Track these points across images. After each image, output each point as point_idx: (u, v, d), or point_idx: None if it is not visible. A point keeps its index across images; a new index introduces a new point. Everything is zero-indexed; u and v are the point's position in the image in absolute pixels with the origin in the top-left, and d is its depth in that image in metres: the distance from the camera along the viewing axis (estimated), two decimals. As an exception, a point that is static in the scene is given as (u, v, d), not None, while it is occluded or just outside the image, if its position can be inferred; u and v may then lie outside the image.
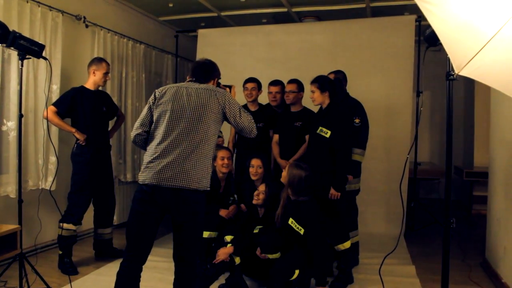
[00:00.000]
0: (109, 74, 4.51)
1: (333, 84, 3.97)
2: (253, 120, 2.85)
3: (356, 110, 4.24)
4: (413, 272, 4.16)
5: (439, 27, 1.94)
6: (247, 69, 5.63)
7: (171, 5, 6.11)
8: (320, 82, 3.88)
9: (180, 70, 7.30)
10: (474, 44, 1.89)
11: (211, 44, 6.42)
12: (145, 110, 2.79)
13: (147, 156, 2.66)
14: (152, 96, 2.79)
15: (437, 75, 4.46)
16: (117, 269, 2.68)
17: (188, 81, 2.88)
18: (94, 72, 4.31)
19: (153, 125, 2.73)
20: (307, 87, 4.03)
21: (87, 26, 5.20)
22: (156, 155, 2.60)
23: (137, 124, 2.79)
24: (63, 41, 4.73)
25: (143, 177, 2.61)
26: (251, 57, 6.12)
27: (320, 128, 3.82)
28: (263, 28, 6.47)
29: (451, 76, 2.18)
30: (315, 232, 3.46)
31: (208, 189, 2.69)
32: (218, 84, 3.00)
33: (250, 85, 4.67)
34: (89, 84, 4.34)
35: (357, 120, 4.18)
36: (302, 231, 3.48)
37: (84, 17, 5.12)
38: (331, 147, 3.77)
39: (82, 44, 5.29)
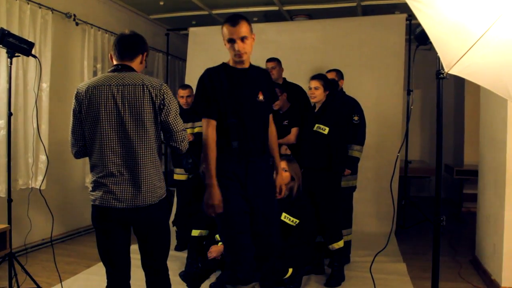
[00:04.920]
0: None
1: (333, 85, 4.02)
2: (186, 133, 2.54)
3: (354, 108, 4.33)
4: (404, 270, 4.18)
5: (429, 26, 1.95)
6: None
7: (162, 3, 6.09)
8: (325, 80, 3.91)
9: (171, 68, 7.28)
10: (463, 43, 1.90)
11: (202, 42, 6.40)
12: (72, 121, 2.43)
13: (93, 173, 2.42)
14: (75, 102, 2.40)
15: (428, 74, 4.48)
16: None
17: (111, 71, 2.44)
18: None
19: (86, 137, 2.40)
20: (302, 84, 4.05)
21: (77, 24, 5.17)
22: (101, 173, 2.35)
23: (71, 140, 2.45)
24: (53, 39, 4.70)
25: (94, 196, 2.40)
26: (242, 56, 6.10)
27: (317, 125, 3.84)
28: (254, 26, 6.32)
29: (441, 75, 2.20)
30: (309, 221, 3.51)
31: (165, 195, 2.50)
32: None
33: None
34: None
35: (356, 118, 4.27)
36: (295, 223, 3.50)
37: (74, 15, 5.09)
38: (327, 144, 3.79)
39: (72, 42, 5.26)
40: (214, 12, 6.51)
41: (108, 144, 2.32)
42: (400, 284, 3.83)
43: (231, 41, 2.69)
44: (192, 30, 6.59)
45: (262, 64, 4.85)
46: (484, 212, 4.16)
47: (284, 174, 3.54)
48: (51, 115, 4.75)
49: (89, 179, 5.22)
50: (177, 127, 2.43)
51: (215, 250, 3.63)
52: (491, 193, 3.97)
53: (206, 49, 6.17)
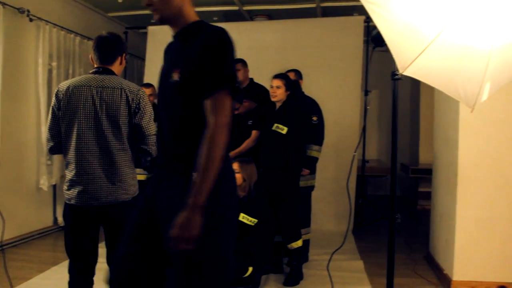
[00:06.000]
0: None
1: (294, 86, 4.04)
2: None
3: (313, 108, 4.36)
4: (361, 267, 4.26)
5: (384, 28, 2.00)
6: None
7: (120, 0, 5.98)
8: (287, 80, 3.92)
9: (130, 67, 7.16)
10: (417, 46, 1.96)
11: (161, 41, 6.22)
12: (50, 117, 2.52)
13: (68, 172, 2.47)
14: (55, 99, 2.49)
15: (385, 75, 4.58)
16: (62, 273, 2.60)
17: (93, 72, 2.55)
18: None
19: (63, 134, 2.47)
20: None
21: (31, 20, 5.00)
22: (76, 171, 2.42)
23: (48, 136, 2.54)
24: (4, 35, 4.53)
25: (68, 195, 2.46)
26: (202, 55, 6.07)
27: (276, 125, 3.85)
28: (214, 26, 6.42)
29: (396, 76, 2.25)
30: (268, 221, 3.53)
31: (138, 192, 2.58)
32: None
33: None
34: None
35: (314, 118, 4.31)
36: (254, 222, 3.51)
37: (28, 11, 4.92)
38: (286, 144, 3.81)
39: (26, 39, 5.08)
40: (174, 10, 6.43)
41: (84, 143, 2.41)
42: (357, 281, 3.90)
43: None
44: (151, 28, 6.51)
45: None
46: (438, 209, 4.29)
47: (236, 176, 3.56)
48: (3, 115, 4.59)
49: (43, 180, 5.11)
50: (149, 131, 2.52)
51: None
52: (444, 191, 4.10)
53: (165, 48, 6.10)
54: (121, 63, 2.62)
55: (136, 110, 2.47)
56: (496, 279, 3.65)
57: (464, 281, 3.67)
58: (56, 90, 2.52)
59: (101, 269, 2.43)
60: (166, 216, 1.71)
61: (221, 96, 1.67)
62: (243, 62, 4.72)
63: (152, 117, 2.54)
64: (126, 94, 2.45)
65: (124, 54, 2.63)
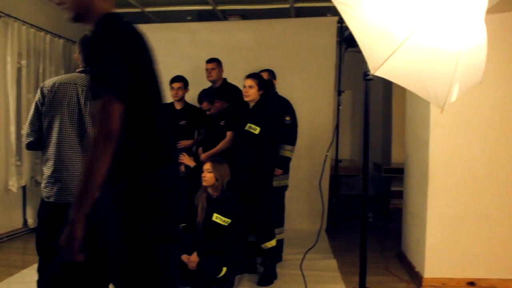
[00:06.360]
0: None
1: (267, 85, 4.04)
2: None
3: (286, 108, 4.37)
4: (334, 266, 4.29)
5: (356, 29, 2.02)
6: (171, 67, 5.55)
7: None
8: (260, 79, 3.91)
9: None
10: (388, 47, 1.98)
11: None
12: (32, 112, 2.51)
13: (46, 168, 2.46)
14: (39, 95, 2.50)
15: (358, 75, 4.63)
16: (32, 276, 2.56)
17: (79, 71, 2.57)
18: None
19: (44, 130, 2.48)
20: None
21: (-1, 17, 4.89)
22: (55, 167, 2.41)
23: (27, 130, 2.52)
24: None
25: (46, 193, 2.44)
26: (175, 55, 6.03)
27: (249, 125, 3.84)
28: (188, 25, 6.40)
29: (368, 76, 2.28)
30: (241, 221, 3.52)
31: None
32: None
33: (176, 85, 4.65)
34: None
35: (287, 118, 4.32)
36: (227, 222, 3.50)
37: (-4, 8, 4.82)
38: (258, 144, 3.81)
39: (-6, 37, 4.97)
40: (147, 10, 6.38)
41: (67, 140, 2.42)
42: (330, 280, 3.93)
43: None
44: (124, 27, 6.42)
45: (200, 65, 4.86)
46: (409, 208, 4.35)
47: (208, 175, 3.56)
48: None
49: (12, 181, 4.99)
50: None
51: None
52: (416, 190, 4.16)
53: (138, 47, 6.05)
54: None
55: None
56: (466, 276, 3.73)
57: (435, 278, 3.74)
58: (41, 86, 2.54)
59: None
60: (104, 227, 1.70)
61: (105, 101, 1.45)
62: (217, 61, 4.73)
63: None
64: None
65: None
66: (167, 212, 1.70)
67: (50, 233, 2.46)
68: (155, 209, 1.64)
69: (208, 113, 4.41)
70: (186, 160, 4.27)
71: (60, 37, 5.88)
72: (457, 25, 2.06)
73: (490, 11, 2.85)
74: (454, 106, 2.55)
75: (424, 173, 3.82)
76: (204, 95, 4.49)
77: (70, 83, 2.48)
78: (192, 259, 3.44)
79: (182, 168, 4.16)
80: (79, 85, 2.47)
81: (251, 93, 3.86)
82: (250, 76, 3.91)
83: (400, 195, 5.08)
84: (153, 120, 1.64)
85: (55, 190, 2.41)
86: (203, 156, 4.30)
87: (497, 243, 3.69)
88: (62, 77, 2.57)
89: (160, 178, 1.66)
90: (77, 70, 2.59)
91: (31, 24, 5.34)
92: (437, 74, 2.10)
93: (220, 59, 4.83)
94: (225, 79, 4.82)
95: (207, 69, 4.72)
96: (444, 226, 3.72)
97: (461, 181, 3.71)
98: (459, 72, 2.10)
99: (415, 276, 3.91)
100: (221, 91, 4.61)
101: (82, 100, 2.45)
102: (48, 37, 5.64)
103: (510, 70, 3.64)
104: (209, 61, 4.75)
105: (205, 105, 4.37)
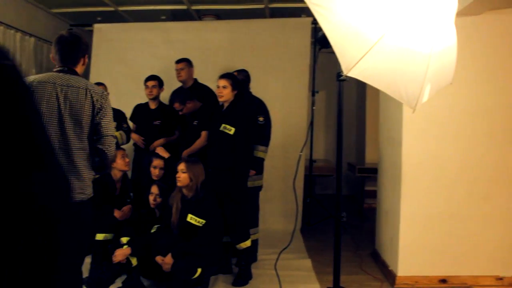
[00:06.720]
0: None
1: (241, 85, 4.02)
2: (114, 140, 2.61)
3: (260, 109, 4.37)
4: (309, 265, 4.31)
5: (329, 30, 2.03)
6: (145, 67, 5.52)
7: (64, -4, 5.79)
8: (234, 79, 3.90)
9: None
10: (360, 48, 1.99)
11: (108, 39, 6.18)
12: None
13: None
14: None
15: (332, 76, 4.67)
16: None
17: (57, 71, 2.52)
18: None
19: None
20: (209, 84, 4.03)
21: (-34, 15, 4.76)
22: None
23: None
24: None
25: None
26: (149, 54, 5.98)
27: (224, 125, 3.83)
28: (162, 25, 6.35)
29: (341, 77, 2.29)
30: (216, 222, 3.51)
31: (92, 195, 2.56)
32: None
33: (151, 83, 4.62)
34: None
35: (261, 118, 4.30)
36: (202, 223, 3.48)
37: (-37, 6, 4.69)
38: (233, 144, 3.80)
39: (-39, 35, 4.83)
40: (121, 8, 6.30)
41: None
42: (305, 279, 3.95)
43: None
44: (97, 26, 6.34)
45: (174, 65, 4.83)
46: (383, 207, 4.41)
47: (182, 175, 3.54)
48: None
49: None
50: (107, 132, 2.53)
51: (120, 253, 3.52)
52: (389, 190, 4.21)
53: (112, 47, 6.01)
54: (83, 64, 2.63)
55: (99, 111, 2.49)
56: (438, 273, 3.80)
57: (408, 276, 3.79)
58: None
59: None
60: None
61: None
62: (187, 61, 4.72)
63: (112, 120, 2.59)
64: (91, 95, 2.47)
65: (86, 56, 2.64)
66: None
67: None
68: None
69: (180, 113, 4.38)
70: (161, 151, 4.23)
71: (31, 35, 5.76)
72: (428, 27, 2.09)
73: (460, 14, 2.92)
74: (426, 107, 2.59)
75: (397, 173, 3.87)
76: (175, 95, 4.47)
77: (49, 82, 2.42)
78: (166, 261, 3.41)
79: (156, 171, 4.11)
80: (58, 84, 2.42)
81: (225, 93, 3.85)
82: (223, 76, 3.90)
83: (374, 194, 5.14)
84: None
85: None
86: (184, 153, 4.27)
87: (467, 241, 3.76)
88: (40, 75, 2.51)
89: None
90: (54, 70, 2.53)
91: (1, 22, 5.22)
92: (409, 75, 2.12)
93: (194, 59, 4.81)
94: (196, 79, 4.81)
95: (176, 70, 4.71)
96: (417, 225, 3.78)
97: (433, 180, 3.77)
98: (430, 73, 2.13)
99: (389, 275, 3.96)
100: (192, 91, 4.60)
101: (61, 100, 2.40)
102: (18, 35, 5.52)
103: (480, 72, 3.72)
104: (178, 61, 4.74)
105: (177, 105, 4.35)
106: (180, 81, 4.75)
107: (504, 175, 3.75)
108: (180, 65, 4.69)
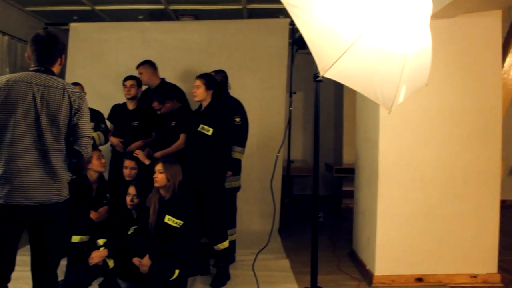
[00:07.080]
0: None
1: (218, 85, 4.01)
2: (91, 142, 2.57)
3: (237, 109, 4.35)
4: (287, 266, 4.32)
5: (305, 31, 2.04)
6: (121, 66, 5.46)
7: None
8: (207, 79, 3.88)
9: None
10: (337, 49, 2.01)
11: (84, 39, 6.10)
12: None
13: None
14: None
15: (310, 76, 4.69)
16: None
17: (34, 70, 2.45)
18: None
19: None
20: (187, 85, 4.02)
21: None
22: (6, 168, 2.29)
23: None
24: None
25: None
26: (126, 54, 5.91)
27: (202, 126, 3.81)
28: (139, 24, 6.30)
29: (318, 78, 2.31)
30: (194, 223, 3.50)
31: (68, 196, 2.52)
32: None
33: (129, 83, 4.59)
34: None
35: (238, 119, 4.29)
36: (179, 224, 3.46)
37: None
38: (211, 145, 3.78)
39: None
40: (97, 8, 6.23)
41: (20, 140, 2.31)
42: (283, 280, 3.95)
43: None
44: (73, 25, 6.25)
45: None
46: (360, 207, 4.45)
47: (159, 176, 3.52)
48: None
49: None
50: (84, 133, 2.48)
51: (97, 255, 3.47)
52: (366, 190, 4.25)
53: (88, 46, 5.94)
54: (60, 64, 2.57)
55: (76, 112, 2.44)
56: (414, 272, 3.84)
57: (385, 276, 3.83)
58: None
59: (24, 277, 2.46)
60: None
61: None
62: (148, 63, 4.75)
63: (89, 121, 2.56)
64: (69, 95, 2.42)
65: (63, 55, 2.59)
66: None
67: None
68: None
69: (159, 112, 4.35)
70: (141, 156, 4.19)
71: (4, 33, 5.65)
72: (404, 28, 2.12)
73: (435, 16, 2.96)
74: (402, 108, 2.62)
75: (374, 173, 3.91)
76: (154, 94, 4.44)
77: (25, 82, 2.36)
78: (143, 263, 3.38)
79: (128, 171, 4.06)
80: (35, 84, 2.37)
81: (198, 93, 3.85)
82: (198, 76, 3.91)
83: (351, 194, 5.17)
84: None
85: (5, 191, 2.29)
86: (157, 154, 4.24)
87: (443, 240, 3.82)
88: (16, 74, 2.44)
89: None
90: (30, 69, 2.47)
91: (-28, 20, 5.11)
92: (385, 76, 2.15)
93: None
94: (163, 79, 4.86)
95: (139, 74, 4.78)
96: (394, 224, 3.82)
97: (409, 180, 3.82)
98: (405, 75, 2.16)
99: (366, 274, 4.00)
100: (166, 97, 4.58)
101: (38, 100, 2.35)
102: (-9, 34, 5.41)
103: (454, 73, 3.78)
104: (137, 66, 4.83)
105: (155, 104, 4.32)
106: (144, 84, 4.75)
107: (477, 175, 3.82)
108: (139, 70, 4.78)
